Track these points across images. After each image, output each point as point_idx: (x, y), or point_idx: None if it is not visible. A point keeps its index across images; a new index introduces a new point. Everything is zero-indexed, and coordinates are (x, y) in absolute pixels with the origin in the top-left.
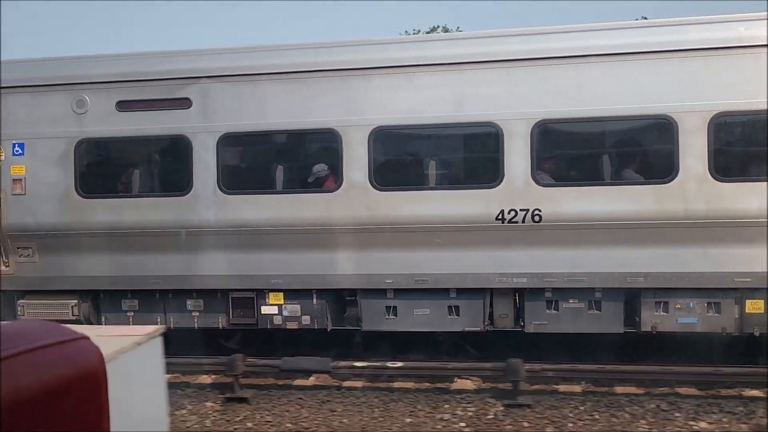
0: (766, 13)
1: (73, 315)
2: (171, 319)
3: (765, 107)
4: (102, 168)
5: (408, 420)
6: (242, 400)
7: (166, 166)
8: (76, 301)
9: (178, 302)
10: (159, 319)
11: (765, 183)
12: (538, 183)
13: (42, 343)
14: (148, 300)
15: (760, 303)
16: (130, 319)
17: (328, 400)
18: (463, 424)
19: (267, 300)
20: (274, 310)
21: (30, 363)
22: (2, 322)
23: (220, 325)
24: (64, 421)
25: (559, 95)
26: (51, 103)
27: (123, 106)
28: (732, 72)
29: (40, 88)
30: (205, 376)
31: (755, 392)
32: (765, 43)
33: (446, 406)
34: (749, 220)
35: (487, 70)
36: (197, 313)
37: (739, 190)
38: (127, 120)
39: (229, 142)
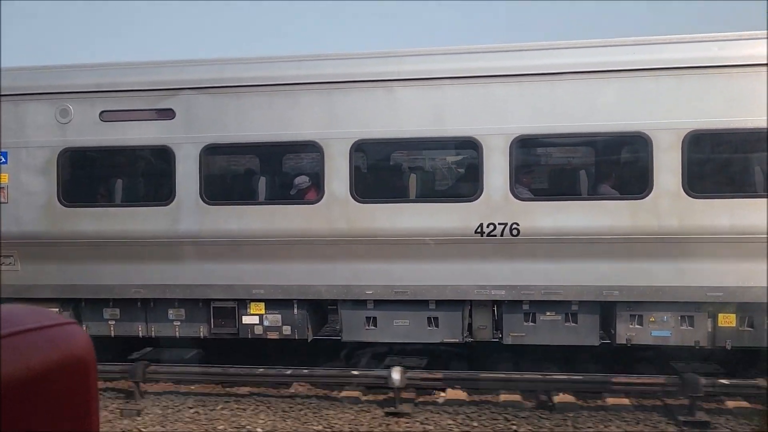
0: (738, 33)
1: None
2: (152, 329)
3: (737, 126)
4: (85, 177)
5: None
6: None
7: (149, 176)
8: (57, 309)
9: (160, 311)
10: (140, 328)
11: (736, 199)
12: (516, 197)
13: (27, 327)
14: (130, 309)
15: (732, 317)
16: (111, 328)
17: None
18: None
19: (248, 310)
20: (255, 320)
21: (14, 347)
22: None
23: (202, 335)
24: (50, 407)
25: (537, 111)
26: (35, 112)
27: (106, 116)
28: (706, 91)
29: (24, 96)
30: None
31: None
32: (737, 63)
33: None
34: (721, 236)
35: (466, 86)
36: (179, 323)
37: (712, 207)
38: (110, 130)
39: (211, 153)
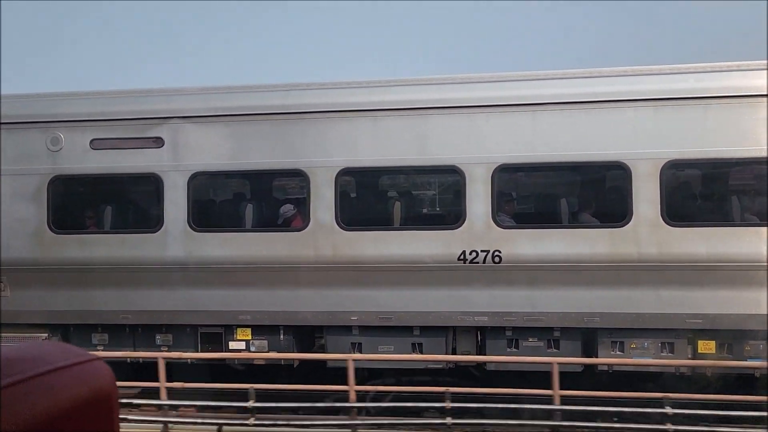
0: (714, 65)
1: None
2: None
3: (714, 156)
4: (74, 204)
5: None
6: None
7: (138, 203)
8: (46, 334)
9: (148, 337)
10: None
11: (713, 228)
12: (498, 225)
13: (58, 365)
14: (118, 334)
15: (712, 344)
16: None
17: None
18: None
19: (235, 335)
20: (242, 345)
21: (46, 385)
22: (17, 344)
23: (189, 361)
24: None
25: (518, 141)
26: (26, 140)
27: (97, 144)
28: (683, 121)
29: (16, 125)
30: None
31: None
32: (714, 95)
33: None
34: (699, 264)
35: (450, 116)
36: (166, 348)
37: (689, 235)
38: (100, 157)
39: (199, 180)
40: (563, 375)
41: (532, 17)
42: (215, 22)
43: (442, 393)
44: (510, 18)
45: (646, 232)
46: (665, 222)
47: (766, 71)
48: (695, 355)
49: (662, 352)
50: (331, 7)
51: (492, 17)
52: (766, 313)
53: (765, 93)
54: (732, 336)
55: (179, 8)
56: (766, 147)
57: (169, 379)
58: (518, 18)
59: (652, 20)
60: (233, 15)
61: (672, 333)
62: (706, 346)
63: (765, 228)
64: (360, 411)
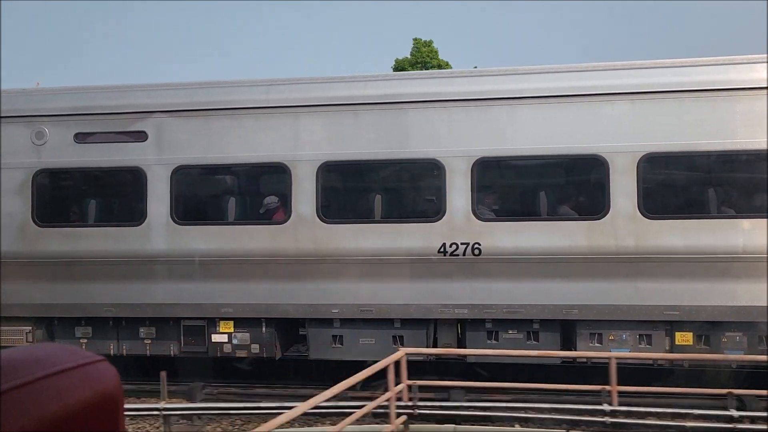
0: (689, 60)
1: (27, 342)
2: (124, 347)
3: (690, 149)
4: (59, 198)
5: None
6: None
7: (122, 196)
8: (30, 327)
9: (131, 330)
10: (112, 347)
11: (690, 220)
12: (478, 218)
13: (66, 366)
14: (102, 327)
15: (689, 335)
16: (84, 347)
17: None
18: None
19: (217, 328)
20: (224, 338)
21: (54, 387)
22: (22, 346)
23: (172, 353)
24: None
25: (497, 134)
26: (11, 134)
27: (81, 138)
28: (660, 115)
29: (1, 119)
30: None
31: None
32: (689, 88)
33: None
34: (676, 256)
35: (430, 109)
36: (149, 341)
37: (666, 227)
38: (84, 151)
39: (182, 174)
40: (540, 367)
41: (531, 15)
42: (221, 20)
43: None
44: (511, 17)
45: (624, 224)
46: (642, 215)
47: (738, 66)
48: (673, 347)
49: (640, 344)
50: (331, 6)
51: (492, 16)
52: (741, 304)
53: (739, 87)
54: (709, 328)
55: (184, 8)
56: (740, 140)
57: (154, 373)
58: (518, 17)
59: (652, 20)
60: (244, 13)
61: (650, 325)
62: (684, 337)
63: (740, 220)
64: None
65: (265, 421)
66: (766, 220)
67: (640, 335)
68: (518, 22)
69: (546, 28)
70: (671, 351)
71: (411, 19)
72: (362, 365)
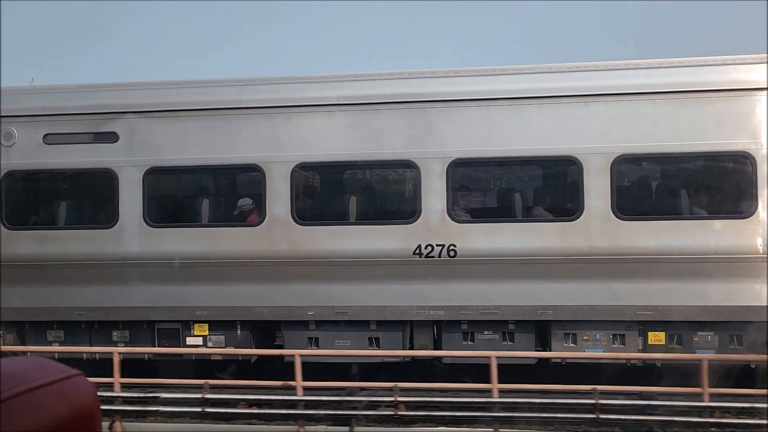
0: (663, 61)
1: None
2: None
3: (663, 150)
4: (29, 200)
5: None
6: None
7: (93, 198)
8: (0, 332)
9: (104, 333)
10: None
11: (663, 221)
12: (453, 219)
13: (39, 383)
14: (74, 331)
15: (661, 335)
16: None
17: None
18: None
19: (192, 331)
20: (199, 341)
21: (29, 404)
22: None
23: (146, 357)
24: None
25: (473, 136)
26: None
27: (50, 139)
28: (633, 117)
29: None
30: None
31: None
32: (662, 90)
33: None
34: (649, 257)
35: (405, 111)
36: (123, 345)
37: (639, 229)
38: (54, 153)
39: (155, 176)
40: (516, 367)
41: (531, 14)
42: (219, 18)
43: (390, 388)
44: (510, 17)
45: (597, 226)
46: (616, 216)
47: (711, 67)
48: (645, 347)
49: (614, 343)
50: (330, 6)
51: (491, 15)
52: (712, 304)
53: (713, 88)
54: (681, 327)
55: (183, 7)
56: (712, 142)
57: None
58: (517, 16)
59: (651, 19)
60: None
61: (623, 325)
62: (656, 337)
63: (712, 221)
64: (308, 405)
65: None
66: (736, 221)
67: (613, 335)
68: (518, 22)
69: (537, 27)
70: (644, 351)
71: (404, 17)
72: (338, 367)
